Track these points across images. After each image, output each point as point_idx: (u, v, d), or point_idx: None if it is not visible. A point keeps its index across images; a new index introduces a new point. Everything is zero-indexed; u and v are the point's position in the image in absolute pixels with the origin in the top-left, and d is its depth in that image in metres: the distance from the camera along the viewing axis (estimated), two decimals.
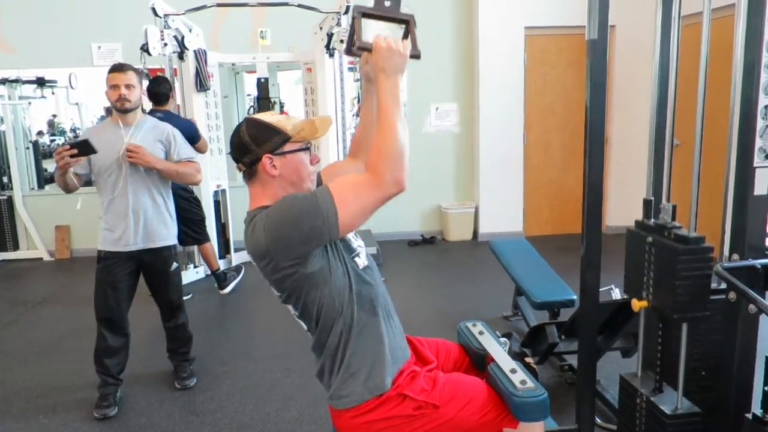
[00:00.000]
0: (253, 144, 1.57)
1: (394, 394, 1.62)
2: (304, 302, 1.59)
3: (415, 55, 1.60)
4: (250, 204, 1.64)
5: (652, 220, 1.91)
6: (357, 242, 1.71)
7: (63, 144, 2.95)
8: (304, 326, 1.69)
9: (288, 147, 1.58)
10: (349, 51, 1.62)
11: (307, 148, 1.63)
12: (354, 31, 1.59)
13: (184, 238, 4.39)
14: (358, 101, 6.28)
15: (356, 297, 1.61)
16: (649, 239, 1.84)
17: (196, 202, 4.67)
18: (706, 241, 1.73)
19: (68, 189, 2.82)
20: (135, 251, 2.92)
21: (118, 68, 2.85)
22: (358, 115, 1.66)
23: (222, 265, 5.41)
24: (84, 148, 2.62)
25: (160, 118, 3.36)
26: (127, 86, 2.82)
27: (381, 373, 1.61)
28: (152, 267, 3.02)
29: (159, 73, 4.46)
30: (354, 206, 1.45)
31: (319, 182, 1.76)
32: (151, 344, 3.63)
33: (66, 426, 2.83)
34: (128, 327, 3.04)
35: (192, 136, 4.18)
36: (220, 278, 4.77)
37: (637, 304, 1.89)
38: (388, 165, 1.44)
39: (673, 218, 1.82)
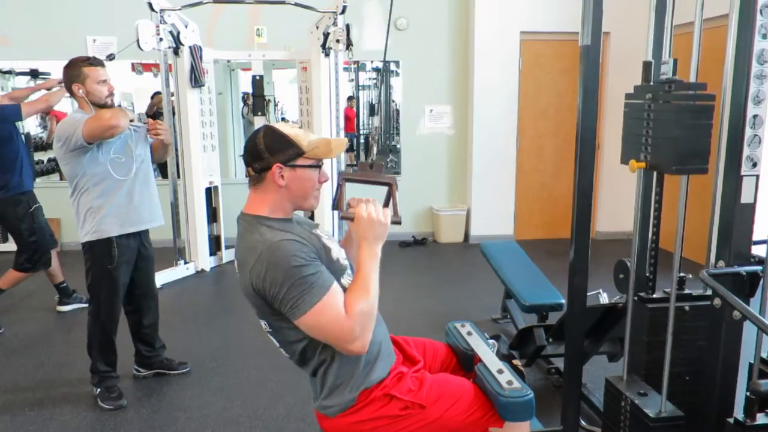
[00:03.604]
0: (267, 152, 1.59)
1: (380, 394, 1.64)
2: (285, 332, 1.63)
3: (396, 222, 1.66)
4: (246, 206, 1.66)
5: (652, 83, 1.88)
6: (343, 263, 1.72)
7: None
8: (276, 344, 1.71)
9: (300, 161, 1.61)
10: (335, 209, 1.70)
11: (318, 166, 1.65)
12: (339, 195, 1.68)
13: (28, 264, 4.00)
14: (350, 98, 6.29)
15: None
16: (649, 95, 1.82)
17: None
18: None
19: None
20: (142, 230, 3.00)
21: (101, 63, 2.82)
22: (335, 209, 1.71)
23: (212, 262, 5.42)
24: None
25: None
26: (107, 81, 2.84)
27: (366, 379, 1.64)
28: (147, 252, 3.07)
29: None
30: (320, 324, 1.51)
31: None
32: None
33: (52, 419, 2.82)
34: None
35: (14, 113, 3.78)
36: (66, 292, 4.30)
37: (635, 165, 1.86)
38: (359, 325, 1.50)
39: (674, 73, 1.79)
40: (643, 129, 1.84)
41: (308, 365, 1.66)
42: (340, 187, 1.69)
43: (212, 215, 5.41)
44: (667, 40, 1.99)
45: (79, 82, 2.75)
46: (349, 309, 1.51)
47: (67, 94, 3.10)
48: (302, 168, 1.61)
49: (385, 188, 1.72)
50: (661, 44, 2.02)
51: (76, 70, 2.75)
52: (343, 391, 1.63)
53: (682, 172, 1.75)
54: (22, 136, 3.96)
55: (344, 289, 1.63)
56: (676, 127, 1.69)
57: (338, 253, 1.71)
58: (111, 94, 2.81)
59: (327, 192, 4.75)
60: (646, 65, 1.92)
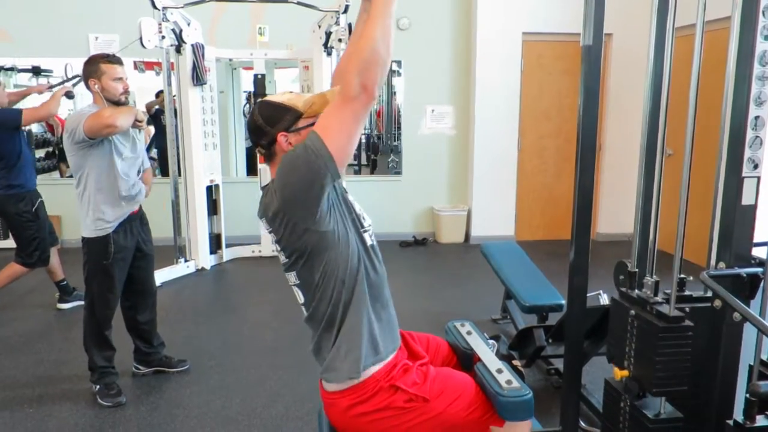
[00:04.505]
0: (267, 125, 1.59)
1: (386, 385, 1.64)
2: (310, 265, 1.60)
3: None
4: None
5: (636, 291, 1.93)
6: (368, 221, 1.72)
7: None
8: (301, 298, 1.70)
9: (301, 123, 1.60)
10: None
11: None
12: None
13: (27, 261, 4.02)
14: None
15: (363, 271, 1.63)
16: (632, 312, 1.88)
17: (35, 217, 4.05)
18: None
19: None
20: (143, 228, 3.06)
21: (119, 61, 2.87)
22: None
23: (213, 260, 5.42)
24: None
25: None
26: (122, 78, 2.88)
27: (372, 355, 1.63)
28: (148, 249, 3.09)
29: None
30: (335, 130, 1.46)
31: None
32: None
33: (51, 416, 2.82)
34: None
35: (13, 119, 3.76)
36: (66, 290, 4.31)
37: (618, 374, 1.93)
38: (357, 69, 1.41)
39: (656, 293, 1.86)
40: (627, 339, 1.91)
41: (322, 321, 1.65)
42: None
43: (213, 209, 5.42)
44: (669, 41, 1.99)
45: (96, 78, 2.81)
46: (348, 56, 1.48)
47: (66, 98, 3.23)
48: (306, 128, 1.59)
49: None
50: (662, 46, 2.01)
51: (93, 66, 2.82)
52: (348, 357, 1.62)
53: (662, 395, 1.82)
54: (24, 135, 3.96)
55: (365, 244, 1.64)
56: (656, 354, 1.75)
57: (361, 210, 1.71)
58: (125, 92, 2.87)
59: None
60: (631, 274, 1.97)
